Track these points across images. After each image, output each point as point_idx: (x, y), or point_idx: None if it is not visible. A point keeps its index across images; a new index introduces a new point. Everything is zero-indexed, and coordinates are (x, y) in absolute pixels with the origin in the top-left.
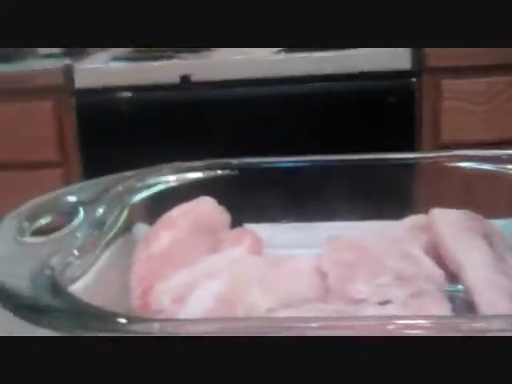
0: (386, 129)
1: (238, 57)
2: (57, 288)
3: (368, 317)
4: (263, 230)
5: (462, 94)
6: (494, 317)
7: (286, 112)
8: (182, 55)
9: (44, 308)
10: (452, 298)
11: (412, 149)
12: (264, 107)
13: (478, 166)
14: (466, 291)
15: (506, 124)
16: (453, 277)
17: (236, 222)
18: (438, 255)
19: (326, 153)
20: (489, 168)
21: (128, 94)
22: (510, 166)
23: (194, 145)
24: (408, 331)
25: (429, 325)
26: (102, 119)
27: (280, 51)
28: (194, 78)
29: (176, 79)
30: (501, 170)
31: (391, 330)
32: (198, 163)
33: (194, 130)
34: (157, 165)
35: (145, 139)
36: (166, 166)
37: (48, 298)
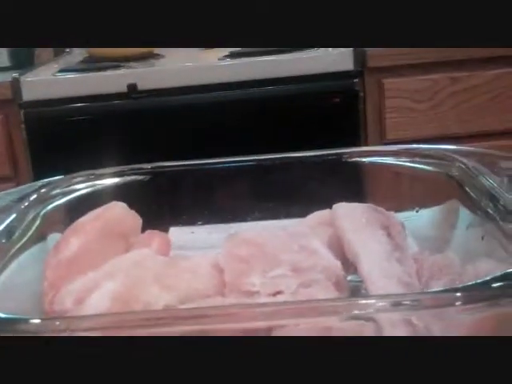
0: (332, 129)
1: (184, 64)
2: None
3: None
4: (177, 233)
5: (404, 93)
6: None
7: (234, 117)
8: (129, 65)
9: None
10: (357, 288)
11: None
12: (212, 113)
13: (378, 161)
14: (363, 280)
15: (449, 120)
16: (355, 268)
17: (151, 226)
18: (341, 248)
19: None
20: (388, 162)
21: (76, 105)
22: (406, 159)
23: (144, 152)
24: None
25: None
26: (52, 131)
27: (226, 57)
28: (140, 87)
29: (123, 88)
30: (398, 163)
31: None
32: (111, 169)
33: (143, 138)
34: None
35: (95, 149)
36: (79, 174)
37: None
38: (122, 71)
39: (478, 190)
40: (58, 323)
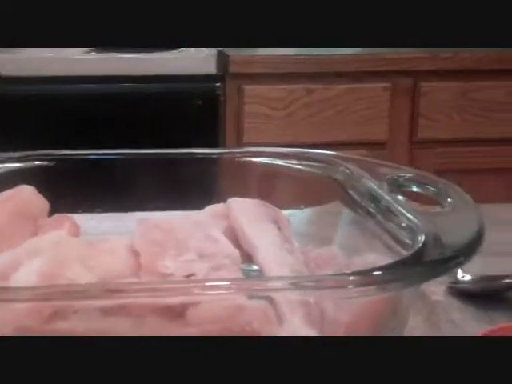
0: (193, 130)
1: (49, 54)
2: None
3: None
4: (78, 220)
5: (262, 100)
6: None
7: (94, 110)
8: None
9: None
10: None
11: None
12: (72, 105)
13: (268, 161)
14: (259, 269)
15: (302, 129)
16: (248, 258)
17: (53, 212)
18: (235, 238)
19: None
20: (277, 163)
21: None
22: (294, 162)
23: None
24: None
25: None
26: None
27: (91, 50)
28: (4, 73)
29: None
30: (287, 165)
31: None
32: (16, 154)
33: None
34: None
35: None
36: None
37: None
38: None
39: (359, 192)
40: None
